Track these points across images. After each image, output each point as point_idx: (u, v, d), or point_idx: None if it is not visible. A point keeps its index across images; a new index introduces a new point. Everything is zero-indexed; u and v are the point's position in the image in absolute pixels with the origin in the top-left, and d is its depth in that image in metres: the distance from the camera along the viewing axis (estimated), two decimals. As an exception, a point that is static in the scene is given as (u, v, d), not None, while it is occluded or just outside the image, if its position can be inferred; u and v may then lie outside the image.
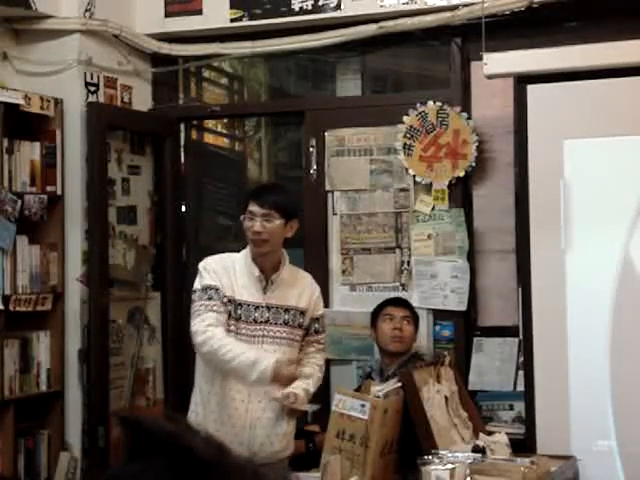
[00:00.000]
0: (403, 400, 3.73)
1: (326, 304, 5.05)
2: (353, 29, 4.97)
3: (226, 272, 3.88)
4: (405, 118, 4.94)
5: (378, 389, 3.69)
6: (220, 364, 3.76)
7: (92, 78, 5.04)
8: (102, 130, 4.98)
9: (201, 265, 3.95)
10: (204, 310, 3.80)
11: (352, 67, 5.36)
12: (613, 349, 4.31)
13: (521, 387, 4.65)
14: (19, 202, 4.58)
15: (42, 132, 4.82)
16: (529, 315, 4.47)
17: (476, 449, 3.70)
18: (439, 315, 4.90)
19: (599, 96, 4.38)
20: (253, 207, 3.88)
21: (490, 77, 4.49)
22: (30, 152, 4.73)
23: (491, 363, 4.80)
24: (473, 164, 4.85)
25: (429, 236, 4.92)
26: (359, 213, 5.09)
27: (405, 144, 4.94)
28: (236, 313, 3.85)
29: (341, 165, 5.12)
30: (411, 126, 4.93)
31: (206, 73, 5.89)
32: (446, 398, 4.00)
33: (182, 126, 5.55)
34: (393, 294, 4.88)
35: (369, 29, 4.94)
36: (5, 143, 4.58)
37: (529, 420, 4.49)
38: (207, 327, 3.75)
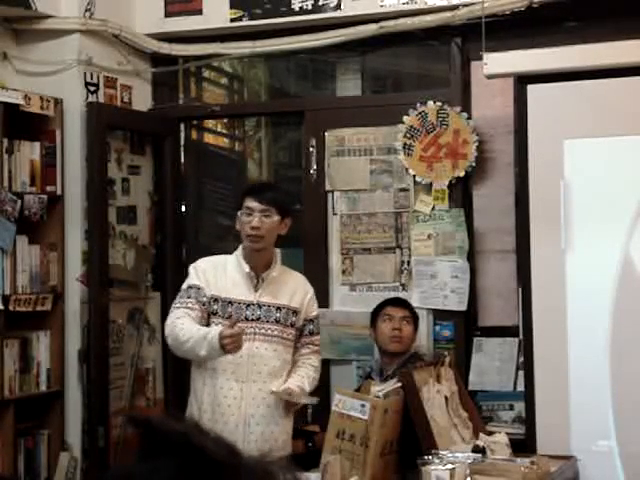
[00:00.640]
0: (403, 400, 3.73)
1: (326, 304, 5.07)
2: (353, 29, 4.97)
3: (216, 270, 3.95)
4: (405, 118, 4.94)
5: (378, 389, 3.69)
6: (183, 349, 3.83)
7: (92, 78, 5.04)
8: (102, 130, 4.98)
9: (192, 265, 4.03)
10: (177, 307, 3.90)
11: (352, 67, 5.36)
12: (613, 349, 4.31)
13: (521, 387, 4.65)
14: (19, 202, 4.57)
15: (42, 132, 4.82)
16: (529, 315, 4.47)
17: (476, 449, 3.70)
18: (439, 315, 4.90)
19: (599, 96, 4.38)
20: (252, 203, 3.91)
21: (490, 77, 4.49)
22: (30, 152, 4.73)
23: (491, 363, 4.80)
24: (473, 164, 4.85)
25: (429, 236, 4.92)
26: (359, 213, 5.08)
27: (405, 144, 4.94)
28: (226, 311, 3.89)
29: (341, 165, 5.12)
30: (411, 126, 4.93)
31: (206, 73, 5.89)
32: (446, 398, 4.00)
33: (182, 126, 5.55)
34: (393, 294, 4.87)
35: (369, 29, 4.94)
36: (5, 143, 4.58)
37: (529, 420, 4.49)
38: (173, 321, 3.83)
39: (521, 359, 4.69)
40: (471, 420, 4.11)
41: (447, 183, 4.88)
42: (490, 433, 4.11)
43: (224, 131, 6.35)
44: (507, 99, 4.82)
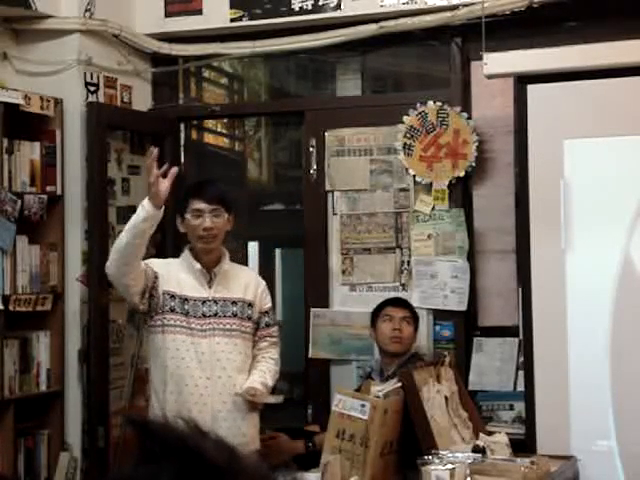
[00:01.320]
0: (403, 400, 3.73)
1: (326, 304, 5.07)
2: (353, 29, 4.97)
3: (168, 267, 4.02)
4: (405, 118, 4.94)
5: (378, 389, 3.69)
6: (123, 249, 3.86)
7: (92, 78, 5.04)
8: (102, 130, 4.98)
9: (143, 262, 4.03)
10: None
11: (352, 67, 5.36)
12: (613, 349, 4.31)
13: (521, 387, 4.65)
14: (19, 202, 4.57)
15: (42, 132, 4.82)
16: (529, 315, 4.47)
17: (476, 449, 3.70)
18: (439, 315, 4.90)
19: (599, 96, 4.38)
20: (199, 204, 3.94)
21: (490, 77, 4.49)
22: (30, 152, 4.73)
23: (491, 363, 4.80)
24: (473, 164, 4.85)
25: (429, 236, 4.92)
26: (359, 213, 5.08)
27: (405, 144, 4.94)
28: (184, 308, 3.92)
29: (341, 165, 5.12)
30: (411, 126, 4.93)
31: (206, 73, 5.89)
32: (446, 398, 3.99)
33: (182, 126, 5.55)
34: (393, 294, 4.87)
35: (369, 29, 4.94)
36: (5, 143, 4.57)
37: (529, 420, 4.48)
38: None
39: (521, 359, 4.69)
40: (471, 420, 4.11)
41: (447, 183, 4.88)
42: (490, 433, 4.11)
43: (224, 131, 6.35)
44: (507, 99, 4.82)
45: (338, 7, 4.96)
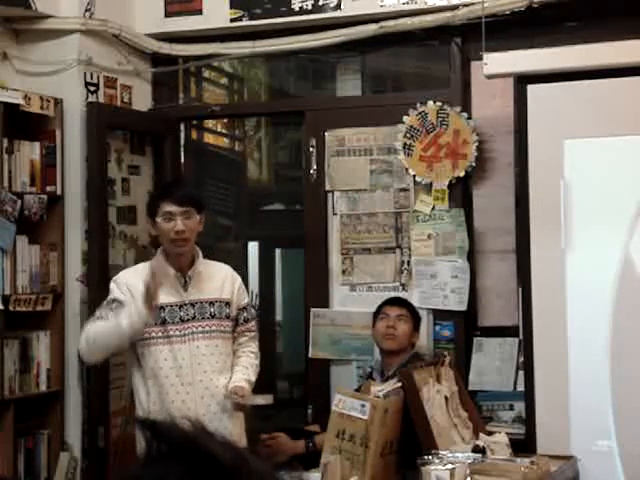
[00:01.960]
0: (403, 400, 3.73)
1: (326, 304, 5.07)
2: (353, 29, 4.97)
3: (140, 279, 3.85)
4: (405, 118, 4.94)
5: (378, 389, 3.69)
6: (100, 342, 3.80)
7: (92, 78, 5.04)
8: (102, 130, 4.98)
9: (112, 280, 3.99)
10: (93, 320, 3.89)
11: (352, 67, 5.36)
12: (613, 349, 4.31)
13: (521, 387, 4.65)
14: (19, 202, 4.57)
15: (42, 132, 4.82)
16: (529, 315, 4.47)
17: (476, 449, 3.70)
18: (439, 315, 4.90)
19: (599, 96, 4.38)
20: (170, 207, 3.89)
21: (490, 77, 4.49)
22: (30, 152, 4.73)
23: (491, 363, 4.80)
24: (473, 164, 4.85)
25: (429, 236, 4.92)
26: (359, 213, 5.08)
27: (405, 144, 4.94)
28: (160, 317, 3.86)
29: (341, 165, 5.12)
30: (411, 126, 4.93)
31: (206, 73, 5.90)
32: (446, 398, 4.00)
33: (182, 126, 5.55)
34: (393, 294, 4.87)
35: (369, 29, 4.94)
36: (5, 143, 4.57)
37: (529, 420, 4.48)
38: (85, 331, 3.86)
39: (521, 359, 4.69)
40: (471, 420, 4.11)
41: (447, 183, 4.88)
42: (490, 433, 4.11)
43: (224, 131, 6.36)
44: (507, 99, 4.82)
45: (338, 7, 4.96)
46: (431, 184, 4.91)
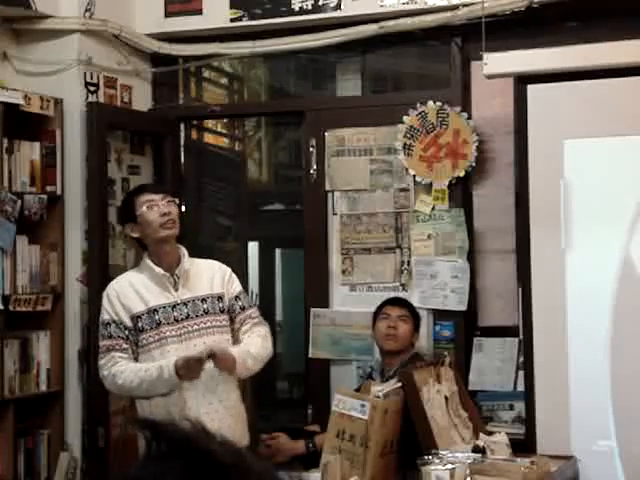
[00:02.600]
0: (403, 400, 3.73)
1: (326, 304, 5.07)
2: (353, 29, 4.97)
3: (131, 286, 3.88)
4: (405, 118, 4.94)
5: (378, 389, 3.69)
6: (136, 394, 3.88)
7: (92, 78, 5.04)
8: (102, 130, 4.98)
9: (104, 294, 3.97)
10: (102, 352, 3.89)
11: (352, 67, 5.36)
12: (613, 349, 4.31)
13: (521, 387, 4.65)
14: (19, 202, 4.57)
15: (42, 132, 4.82)
16: (529, 315, 4.47)
17: (476, 449, 3.70)
18: (439, 315, 4.90)
19: (599, 96, 4.38)
20: (149, 196, 3.89)
21: (490, 77, 4.49)
22: (30, 152, 4.73)
23: (491, 363, 4.80)
24: (473, 164, 4.85)
25: (429, 236, 4.92)
26: (359, 213, 5.08)
27: (405, 144, 4.94)
28: (154, 320, 3.85)
29: (341, 165, 5.12)
30: (411, 126, 4.93)
31: (206, 73, 5.90)
32: (446, 398, 4.00)
33: (182, 126, 5.55)
34: (393, 294, 4.87)
35: (369, 29, 4.94)
36: (5, 143, 4.57)
37: (529, 420, 4.48)
38: (110, 371, 3.85)
39: (521, 359, 4.69)
40: (471, 420, 4.11)
41: (447, 183, 4.88)
42: (490, 433, 4.11)
43: (224, 131, 6.36)
44: (507, 99, 4.82)
45: (338, 7, 4.96)
46: (431, 184, 4.91)
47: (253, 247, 6.88)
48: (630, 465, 4.28)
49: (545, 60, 4.40)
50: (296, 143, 5.61)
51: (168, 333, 3.84)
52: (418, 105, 4.93)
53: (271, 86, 5.82)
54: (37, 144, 4.77)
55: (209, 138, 6.19)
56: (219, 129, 6.27)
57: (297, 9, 5.02)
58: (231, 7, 5.14)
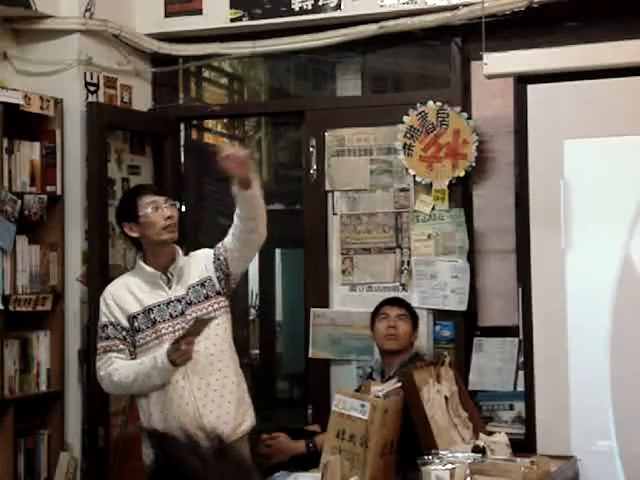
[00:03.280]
0: (403, 400, 3.73)
1: (326, 304, 5.07)
2: (353, 29, 4.97)
3: (126, 287, 3.91)
4: (405, 118, 4.94)
5: (378, 389, 3.69)
6: (133, 390, 3.90)
7: (92, 78, 5.04)
8: (102, 130, 4.98)
9: (101, 298, 3.98)
10: (100, 354, 3.91)
11: (352, 67, 5.36)
12: (613, 349, 4.31)
13: (521, 387, 4.65)
14: (19, 202, 4.57)
15: (42, 132, 4.82)
16: (529, 315, 4.47)
17: (476, 449, 3.70)
18: (439, 315, 4.90)
19: (599, 96, 4.38)
20: (153, 197, 3.90)
21: (490, 77, 4.49)
22: (30, 152, 4.73)
23: (491, 363, 4.80)
24: (473, 164, 4.85)
25: (429, 236, 4.92)
26: (359, 213, 5.08)
27: (405, 144, 4.94)
28: (150, 319, 3.86)
29: (341, 165, 5.12)
30: (411, 126, 4.93)
31: (206, 73, 5.90)
32: (446, 398, 3.99)
33: (182, 126, 5.55)
34: (393, 294, 4.87)
35: (369, 29, 4.94)
36: (5, 143, 4.57)
37: (529, 420, 4.49)
38: (106, 372, 3.87)
39: (521, 359, 4.69)
40: (471, 420, 4.11)
41: (447, 183, 4.88)
42: (490, 433, 4.11)
43: (224, 131, 6.36)
44: (507, 99, 4.82)
45: (338, 7, 4.96)
46: (431, 184, 4.91)
47: (253, 247, 6.85)
48: (630, 465, 4.28)
49: (545, 60, 4.40)
50: (296, 143, 5.61)
51: (164, 330, 3.85)
52: (418, 105, 4.93)
53: (271, 86, 5.82)
54: (37, 144, 4.77)
55: (209, 138, 6.19)
56: (219, 129, 6.27)
57: (297, 9, 5.02)
58: (231, 7, 5.14)
